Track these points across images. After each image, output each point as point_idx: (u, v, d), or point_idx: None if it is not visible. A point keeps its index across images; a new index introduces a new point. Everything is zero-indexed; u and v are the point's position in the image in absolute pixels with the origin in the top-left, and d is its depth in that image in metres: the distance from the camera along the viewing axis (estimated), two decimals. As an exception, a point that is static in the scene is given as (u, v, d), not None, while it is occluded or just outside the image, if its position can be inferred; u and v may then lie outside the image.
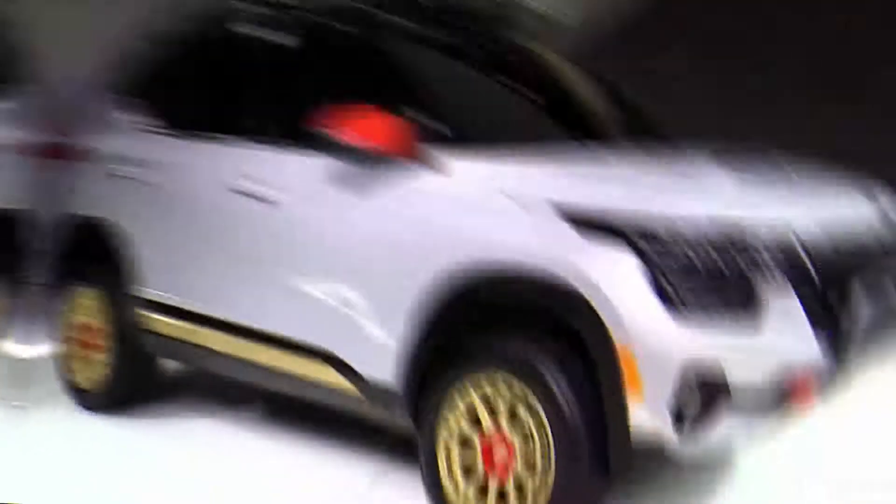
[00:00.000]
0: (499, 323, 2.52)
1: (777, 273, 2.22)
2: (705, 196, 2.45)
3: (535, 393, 2.34)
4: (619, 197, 2.34)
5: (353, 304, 2.77)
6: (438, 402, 2.56)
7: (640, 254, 2.20)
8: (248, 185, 3.07)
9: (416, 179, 2.66)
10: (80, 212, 3.90)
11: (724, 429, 2.24)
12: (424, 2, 3.43)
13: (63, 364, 4.04)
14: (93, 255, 3.82)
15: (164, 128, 3.64)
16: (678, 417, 2.18)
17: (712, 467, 3.13)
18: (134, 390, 3.86)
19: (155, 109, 3.73)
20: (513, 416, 2.43)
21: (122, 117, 3.86)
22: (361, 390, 2.81)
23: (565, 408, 2.29)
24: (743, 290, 2.20)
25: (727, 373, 2.18)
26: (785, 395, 2.27)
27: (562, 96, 3.58)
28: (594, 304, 2.21)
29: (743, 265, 2.21)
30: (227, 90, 3.46)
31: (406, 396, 2.67)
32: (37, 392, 4.14)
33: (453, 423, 2.55)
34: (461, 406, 2.52)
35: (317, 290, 2.89)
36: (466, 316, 2.56)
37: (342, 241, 2.81)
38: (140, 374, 3.83)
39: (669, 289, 2.17)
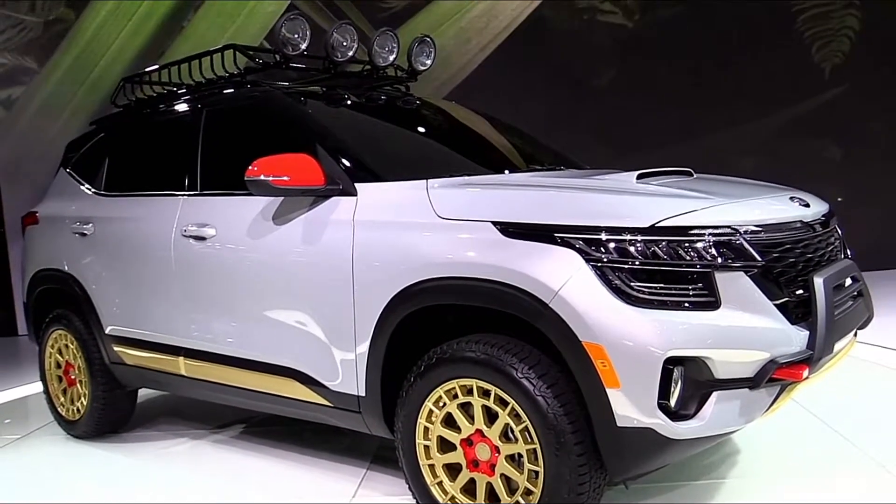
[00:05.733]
0: (465, 332, 2.59)
1: (732, 267, 2.28)
2: (642, 200, 2.47)
3: (510, 393, 2.40)
4: (562, 211, 2.42)
5: (311, 322, 2.95)
6: (414, 411, 2.64)
7: (591, 258, 2.27)
8: (194, 229, 3.42)
9: (342, 207, 2.88)
10: (52, 265, 4.35)
11: (716, 414, 2.27)
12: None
13: (50, 399, 4.48)
14: (64, 301, 4.29)
15: (119, 191, 4.11)
16: (662, 403, 2.22)
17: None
18: (115, 417, 4.25)
19: (108, 177, 4.23)
20: (492, 418, 2.50)
21: (78, 185, 4.37)
22: (331, 401, 2.98)
23: (542, 402, 2.35)
24: (698, 284, 2.26)
25: (708, 361, 2.24)
26: (773, 381, 2.31)
27: (466, 135, 3.90)
28: (554, 307, 2.29)
29: (693, 260, 2.26)
30: (169, 157, 3.86)
31: (377, 405, 2.81)
32: (33, 424, 4.67)
33: (432, 431, 2.63)
34: (438, 414, 2.61)
35: (272, 312, 3.13)
36: (429, 327, 2.68)
37: (288, 267, 3.03)
38: (118, 403, 4.20)
39: (626, 287, 2.24)
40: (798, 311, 2.45)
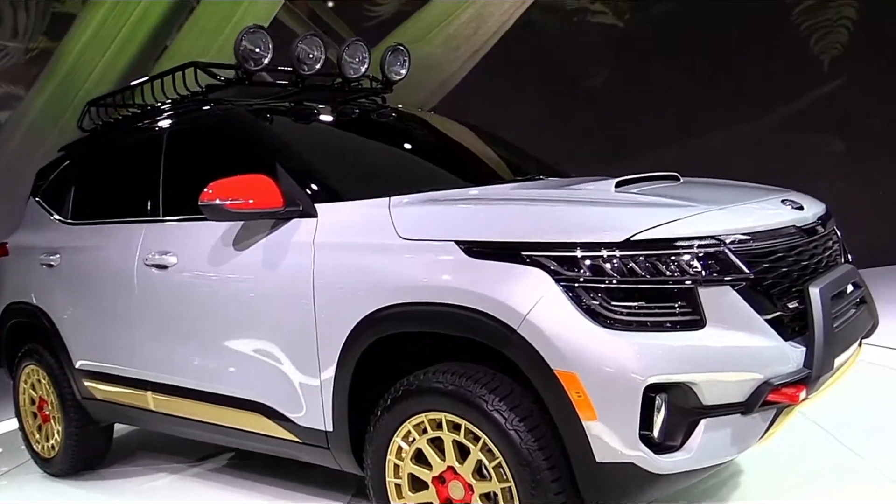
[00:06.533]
0: (432, 362, 2.39)
1: (717, 281, 2.08)
2: (616, 211, 2.28)
3: (481, 427, 2.21)
4: (530, 227, 2.23)
5: (275, 353, 2.78)
6: (382, 447, 2.46)
7: (561, 279, 2.08)
8: (156, 258, 3.25)
9: (302, 230, 2.70)
10: (21, 298, 4.18)
11: (705, 444, 2.08)
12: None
13: (26, 437, 4.30)
14: (35, 335, 4.12)
15: (84, 219, 3.95)
16: (645, 435, 2.03)
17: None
18: (90, 454, 4.08)
19: (74, 205, 4.07)
20: (464, 453, 2.31)
21: (46, 214, 4.20)
22: (298, 437, 2.79)
23: (515, 437, 2.15)
24: (680, 301, 2.06)
25: (694, 387, 2.04)
26: (767, 405, 2.11)
27: (442, 147, 3.71)
28: (522, 332, 2.10)
29: (675, 276, 2.06)
30: (132, 182, 3.68)
31: (345, 441, 2.62)
32: (9, 464, 4.49)
33: (402, 468, 2.45)
34: (408, 450, 2.41)
35: (237, 344, 2.94)
36: (395, 357, 2.49)
37: (249, 295, 2.86)
38: (92, 439, 4.03)
39: (601, 308, 2.04)
40: (793, 326, 2.24)
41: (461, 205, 2.52)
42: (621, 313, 2.06)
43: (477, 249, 2.24)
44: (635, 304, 2.07)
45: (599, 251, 2.10)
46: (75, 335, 3.82)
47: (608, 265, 2.09)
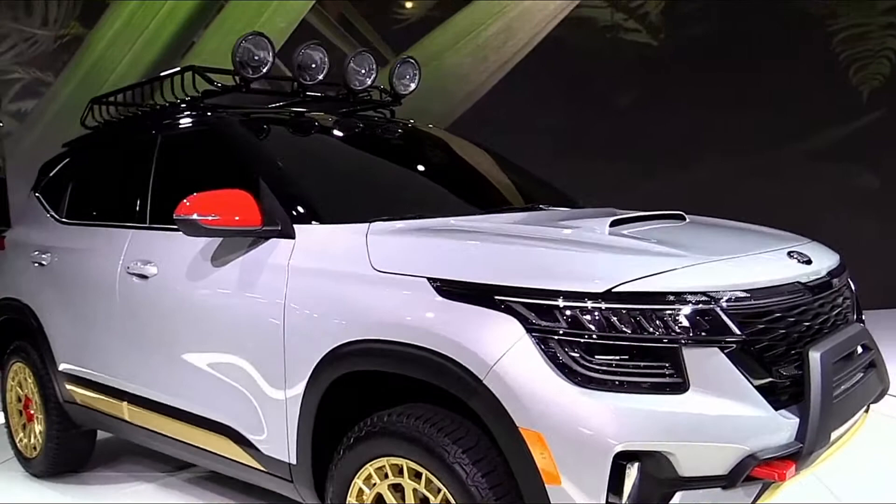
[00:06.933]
0: (397, 403, 2.25)
1: (704, 342, 1.91)
2: (600, 257, 2.10)
3: (441, 479, 2.06)
4: (506, 269, 2.06)
5: (245, 379, 2.65)
6: (343, 489, 2.32)
7: (534, 328, 1.93)
8: (138, 267, 3.16)
9: (279, 251, 2.57)
10: (11, 294, 4.13)
11: None
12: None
13: (10, 434, 4.25)
14: (23, 333, 4.04)
15: (78, 219, 3.87)
16: None
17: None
18: (71, 457, 4.01)
19: (69, 203, 4.00)
20: (426, 502, 2.15)
21: (44, 211, 4.13)
22: (263, 465, 2.68)
23: (475, 493, 1.98)
24: (662, 362, 1.89)
25: (670, 456, 1.87)
26: (752, 479, 1.93)
27: (442, 169, 3.55)
28: (488, 384, 1.94)
29: (658, 334, 1.89)
30: (124, 185, 3.60)
31: (308, 476, 2.49)
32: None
33: None
34: (369, 493, 2.28)
35: (210, 365, 2.83)
36: (359, 395, 2.38)
37: (222, 314, 2.75)
38: (74, 442, 3.95)
39: (574, 364, 1.88)
40: (789, 392, 2.06)
41: (439, 238, 2.36)
42: (596, 371, 1.89)
43: (449, 289, 2.09)
44: (613, 361, 1.90)
45: (577, 301, 1.93)
46: (60, 337, 3.75)
47: (586, 317, 1.92)
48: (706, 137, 7.74)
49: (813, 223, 7.66)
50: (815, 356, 2.06)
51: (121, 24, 8.21)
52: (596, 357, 1.91)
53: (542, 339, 1.92)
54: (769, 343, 2.05)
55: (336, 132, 3.45)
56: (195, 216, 2.58)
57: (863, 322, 2.67)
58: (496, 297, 2.00)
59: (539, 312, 1.95)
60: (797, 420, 2.00)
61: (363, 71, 3.62)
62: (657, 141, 7.69)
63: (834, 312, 2.38)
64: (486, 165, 3.73)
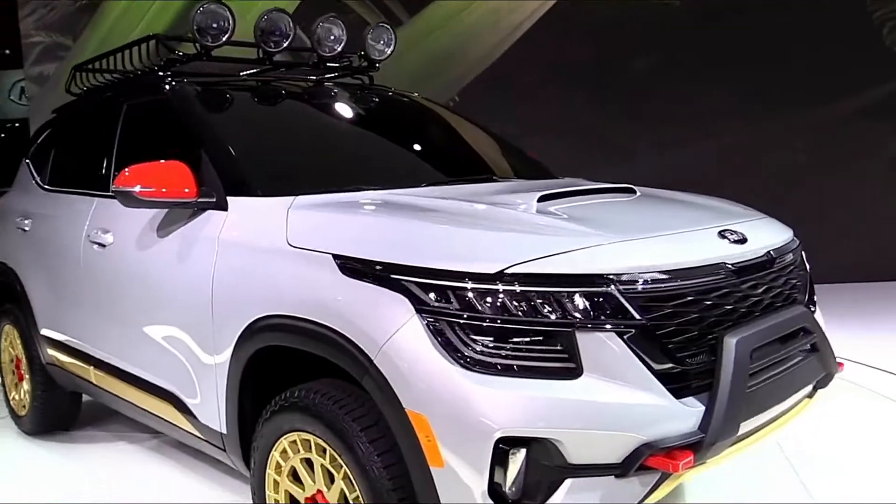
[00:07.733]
0: (310, 378, 2.26)
1: (599, 326, 1.86)
2: (498, 236, 2.04)
3: (342, 456, 2.06)
4: (404, 247, 2.03)
5: (182, 347, 2.69)
6: (262, 461, 2.35)
7: (424, 309, 1.89)
8: (97, 235, 3.22)
9: (212, 223, 2.59)
10: (1, 259, 4.24)
11: None
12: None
13: (5, 393, 4.42)
14: (11, 297, 4.16)
15: (56, 186, 3.94)
16: (496, 490, 1.83)
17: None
18: (57, 417, 4.13)
19: (51, 170, 4.08)
20: (333, 478, 2.16)
21: (31, 178, 4.21)
22: (201, 433, 2.73)
23: (371, 472, 1.98)
24: (554, 346, 1.85)
25: (557, 443, 1.83)
26: (646, 469, 1.88)
27: (406, 138, 3.48)
28: (378, 364, 1.93)
29: (550, 317, 1.85)
30: (93, 153, 3.65)
31: (237, 446, 2.53)
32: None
33: (280, 484, 2.33)
34: (285, 466, 2.30)
35: (153, 331, 2.88)
36: (274, 369, 2.39)
37: (163, 285, 2.79)
38: (58, 402, 4.06)
39: (463, 346, 1.85)
40: (699, 381, 1.98)
41: (348, 214, 2.33)
42: (486, 354, 1.85)
43: (351, 266, 2.07)
44: (504, 345, 1.86)
45: (469, 282, 1.88)
46: (39, 302, 3.85)
47: (477, 299, 1.87)
48: (732, 101, 7.49)
49: (844, 188, 7.43)
50: (730, 342, 1.99)
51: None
52: (486, 340, 1.86)
53: (433, 321, 1.89)
54: (678, 328, 1.97)
55: (297, 102, 3.42)
56: (134, 187, 2.59)
57: (813, 303, 2.56)
58: (392, 276, 1.97)
59: (431, 292, 1.91)
60: (703, 409, 1.93)
61: (332, 38, 3.58)
62: (684, 104, 7.47)
63: (770, 294, 2.28)
64: (457, 136, 3.66)
